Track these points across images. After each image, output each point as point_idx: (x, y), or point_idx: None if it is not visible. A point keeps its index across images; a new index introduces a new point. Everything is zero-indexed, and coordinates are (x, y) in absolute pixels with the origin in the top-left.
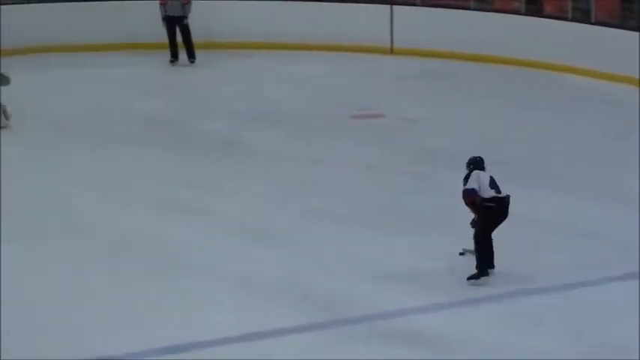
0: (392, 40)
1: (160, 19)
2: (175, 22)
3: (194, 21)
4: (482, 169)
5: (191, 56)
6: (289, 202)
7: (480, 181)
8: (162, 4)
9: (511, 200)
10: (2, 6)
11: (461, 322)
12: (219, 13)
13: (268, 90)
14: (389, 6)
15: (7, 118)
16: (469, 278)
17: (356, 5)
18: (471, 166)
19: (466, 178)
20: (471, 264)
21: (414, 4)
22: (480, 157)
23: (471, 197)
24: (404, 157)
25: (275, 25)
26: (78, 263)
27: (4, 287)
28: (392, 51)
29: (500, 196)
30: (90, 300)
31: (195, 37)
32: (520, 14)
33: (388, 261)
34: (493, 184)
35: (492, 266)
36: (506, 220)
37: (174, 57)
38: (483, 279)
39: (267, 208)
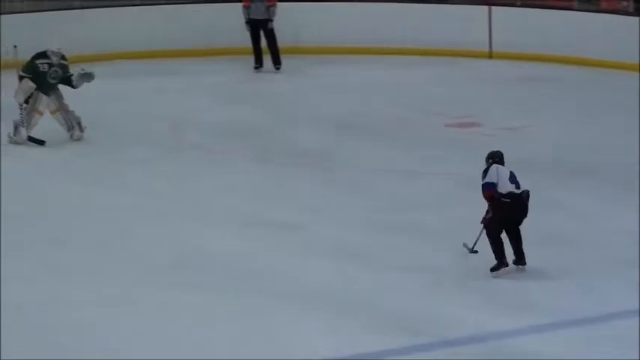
0: (490, 44)
1: (244, 22)
2: (259, 26)
3: (280, 24)
4: (502, 163)
5: (276, 62)
6: (381, 217)
7: (499, 175)
8: (246, 7)
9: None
10: (89, 10)
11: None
12: (307, 16)
13: (358, 98)
14: (487, 7)
15: (81, 130)
16: (491, 270)
17: (452, 7)
18: (490, 161)
19: (485, 172)
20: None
21: (514, 5)
22: (499, 151)
23: (490, 191)
24: None
25: (366, 28)
26: (155, 279)
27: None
28: (490, 55)
29: (516, 192)
30: (166, 319)
31: (281, 42)
32: (629, 14)
33: (487, 279)
34: (513, 178)
35: (506, 264)
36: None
37: (259, 63)
38: (503, 270)
39: (358, 223)
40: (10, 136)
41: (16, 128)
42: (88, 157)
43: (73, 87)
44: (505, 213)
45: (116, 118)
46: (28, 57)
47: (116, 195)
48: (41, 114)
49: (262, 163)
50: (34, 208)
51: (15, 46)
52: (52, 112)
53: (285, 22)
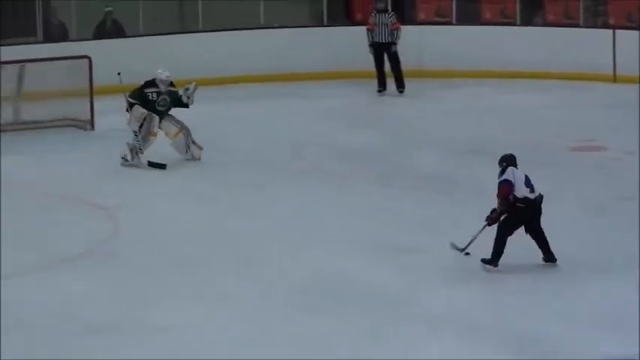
0: (615, 67)
1: (367, 45)
2: (383, 49)
3: (403, 48)
4: (515, 166)
5: (400, 86)
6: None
7: (515, 178)
8: (370, 30)
9: None
10: (211, 33)
11: None
12: (430, 39)
13: (481, 121)
14: (611, 30)
15: (200, 148)
16: (483, 260)
17: (576, 30)
18: (504, 164)
19: (502, 173)
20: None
21: (638, 29)
22: (512, 154)
23: (506, 189)
24: (626, 194)
25: (489, 52)
26: (282, 303)
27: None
28: (615, 79)
29: (530, 197)
30: (294, 342)
31: (405, 66)
32: None
33: (605, 305)
34: (528, 182)
35: (496, 265)
36: None
37: (382, 86)
38: (491, 267)
39: (482, 247)
40: (123, 159)
41: (131, 151)
42: (209, 180)
43: (187, 106)
44: (519, 217)
45: (237, 141)
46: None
47: (238, 219)
48: (156, 135)
49: (384, 186)
50: (157, 231)
51: (119, 73)
52: (174, 135)
53: (409, 45)
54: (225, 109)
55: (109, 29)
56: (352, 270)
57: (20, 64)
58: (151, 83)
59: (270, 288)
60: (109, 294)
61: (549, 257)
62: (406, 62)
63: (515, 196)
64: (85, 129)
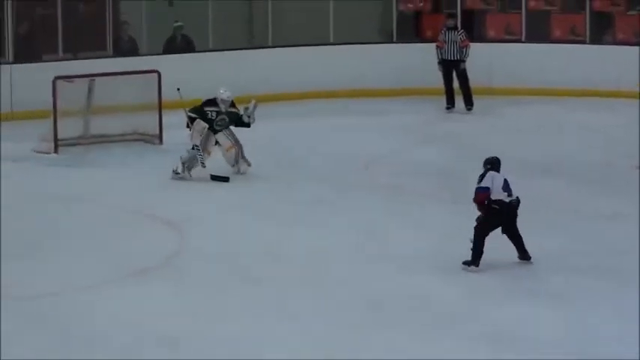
0: None
1: (436, 62)
2: (452, 67)
3: (472, 65)
4: (498, 170)
5: (468, 103)
6: (579, 260)
7: (493, 181)
8: (439, 47)
9: None
10: (280, 48)
11: None
12: (499, 57)
13: (550, 140)
14: None
15: (248, 164)
16: (463, 263)
17: None
18: (488, 166)
19: (481, 177)
20: None
21: None
22: (497, 157)
23: (482, 195)
24: None
25: (558, 70)
26: (350, 321)
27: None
28: None
29: (506, 200)
30: None
31: (473, 83)
32: None
33: None
34: (506, 187)
35: (477, 265)
36: None
37: (451, 104)
38: (472, 267)
39: (554, 266)
40: (174, 172)
41: (183, 165)
42: (278, 196)
43: (249, 125)
44: (494, 218)
45: (306, 157)
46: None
47: (308, 235)
48: (210, 154)
49: (453, 203)
50: (225, 246)
51: (178, 89)
52: (228, 148)
53: (478, 62)
54: (294, 125)
55: (179, 44)
56: (422, 287)
57: (90, 78)
58: (212, 102)
59: (341, 305)
60: (180, 308)
61: (524, 256)
62: (475, 79)
63: (490, 198)
64: (154, 143)
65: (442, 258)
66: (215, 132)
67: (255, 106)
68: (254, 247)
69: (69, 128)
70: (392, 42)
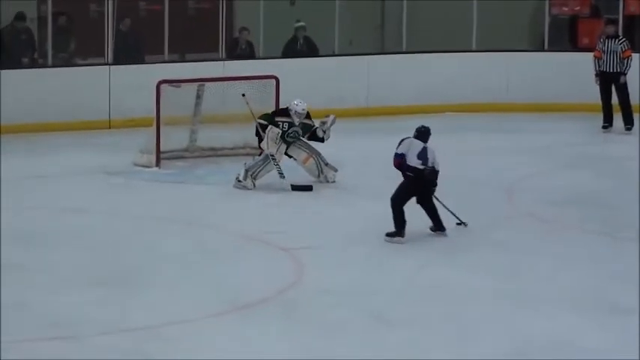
0: None
1: (593, 75)
2: (611, 80)
3: (634, 79)
4: (425, 139)
5: (628, 122)
6: None
7: (410, 148)
8: (597, 58)
9: None
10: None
11: None
12: None
13: None
14: None
15: (335, 170)
16: (387, 234)
17: None
18: (415, 133)
19: (399, 145)
20: None
21: None
22: (426, 127)
23: (395, 161)
24: None
25: None
26: None
27: None
28: None
29: (419, 167)
30: None
31: (635, 99)
32: None
33: None
34: (422, 155)
35: (402, 235)
36: None
37: (608, 122)
38: (397, 239)
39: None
40: (237, 180)
41: (246, 172)
42: (408, 224)
43: (323, 140)
44: (409, 186)
45: (441, 179)
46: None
47: (441, 270)
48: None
49: (603, 236)
50: (345, 279)
51: (243, 95)
52: (304, 160)
53: None
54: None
55: (301, 47)
56: (566, 334)
57: (199, 82)
58: (284, 112)
59: (479, 353)
60: (285, 349)
61: (439, 227)
62: (636, 95)
63: (407, 165)
64: None
65: (589, 300)
66: (287, 144)
67: (333, 121)
68: (381, 284)
69: (173, 139)
70: (542, 50)
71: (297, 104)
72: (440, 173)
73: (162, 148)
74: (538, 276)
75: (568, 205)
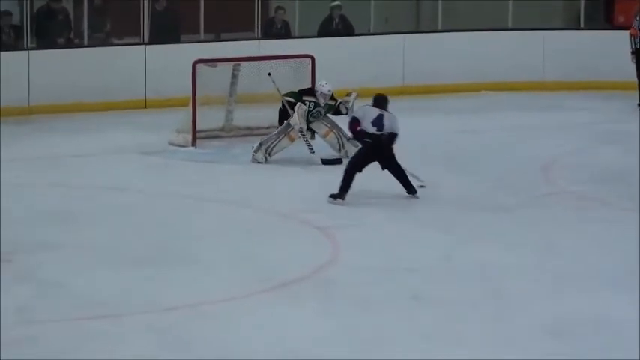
0: None
1: (629, 52)
2: None
3: None
4: (383, 106)
5: None
6: None
7: (364, 114)
8: (633, 36)
9: None
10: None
11: None
12: None
13: None
14: None
15: (355, 145)
16: (330, 196)
17: None
18: (372, 101)
19: (351, 110)
20: None
21: None
22: (382, 96)
23: (350, 126)
24: None
25: None
26: (524, 346)
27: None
28: None
29: (375, 133)
30: None
31: None
32: None
33: None
34: (377, 122)
35: (343, 198)
36: None
37: None
38: (339, 200)
39: None
40: (252, 154)
41: (260, 145)
42: (445, 203)
43: (346, 114)
44: (365, 152)
45: (476, 159)
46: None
47: (480, 248)
48: (293, 141)
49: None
50: (382, 258)
51: (269, 74)
52: (325, 134)
53: None
54: (463, 121)
55: (336, 26)
56: (609, 312)
57: (235, 62)
58: (310, 92)
59: (516, 331)
60: (323, 328)
61: (410, 190)
62: None
63: (364, 131)
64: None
65: (630, 278)
66: (308, 122)
67: (355, 98)
68: (419, 262)
69: (209, 119)
70: (578, 28)
71: (324, 85)
72: (482, 149)
73: (198, 128)
74: (575, 253)
75: (605, 182)
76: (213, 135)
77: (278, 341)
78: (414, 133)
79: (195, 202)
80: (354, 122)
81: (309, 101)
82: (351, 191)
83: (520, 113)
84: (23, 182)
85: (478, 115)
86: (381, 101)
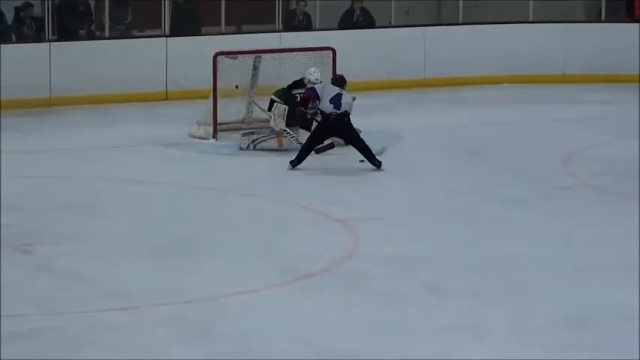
0: None
1: None
2: None
3: None
4: (341, 85)
5: None
6: None
7: (323, 92)
8: None
9: None
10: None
11: None
12: None
13: None
14: None
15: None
16: (290, 162)
17: None
18: (332, 81)
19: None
20: None
21: None
22: (342, 77)
23: (308, 94)
24: None
25: None
26: (542, 339)
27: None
28: None
29: (326, 112)
30: None
31: None
32: None
33: None
34: (335, 100)
35: (295, 165)
36: None
37: None
38: (289, 166)
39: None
40: (240, 139)
41: (250, 134)
42: (466, 194)
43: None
44: (322, 128)
45: (498, 150)
46: None
47: (500, 240)
48: (281, 145)
49: None
50: (405, 251)
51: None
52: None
53: None
54: (486, 114)
55: (358, 18)
56: (625, 304)
57: (256, 54)
58: (300, 84)
59: (537, 323)
60: (345, 320)
61: (372, 162)
62: None
63: (319, 109)
64: None
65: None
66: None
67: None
68: (440, 254)
69: (230, 111)
70: (600, 21)
71: (312, 73)
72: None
73: (218, 120)
74: (596, 246)
75: (626, 175)
76: (233, 127)
77: (299, 333)
78: (435, 125)
79: (216, 194)
80: (311, 92)
81: (299, 93)
82: (370, 183)
83: (541, 106)
84: (44, 174)
85: (499, 107)
86: (340, 80)
